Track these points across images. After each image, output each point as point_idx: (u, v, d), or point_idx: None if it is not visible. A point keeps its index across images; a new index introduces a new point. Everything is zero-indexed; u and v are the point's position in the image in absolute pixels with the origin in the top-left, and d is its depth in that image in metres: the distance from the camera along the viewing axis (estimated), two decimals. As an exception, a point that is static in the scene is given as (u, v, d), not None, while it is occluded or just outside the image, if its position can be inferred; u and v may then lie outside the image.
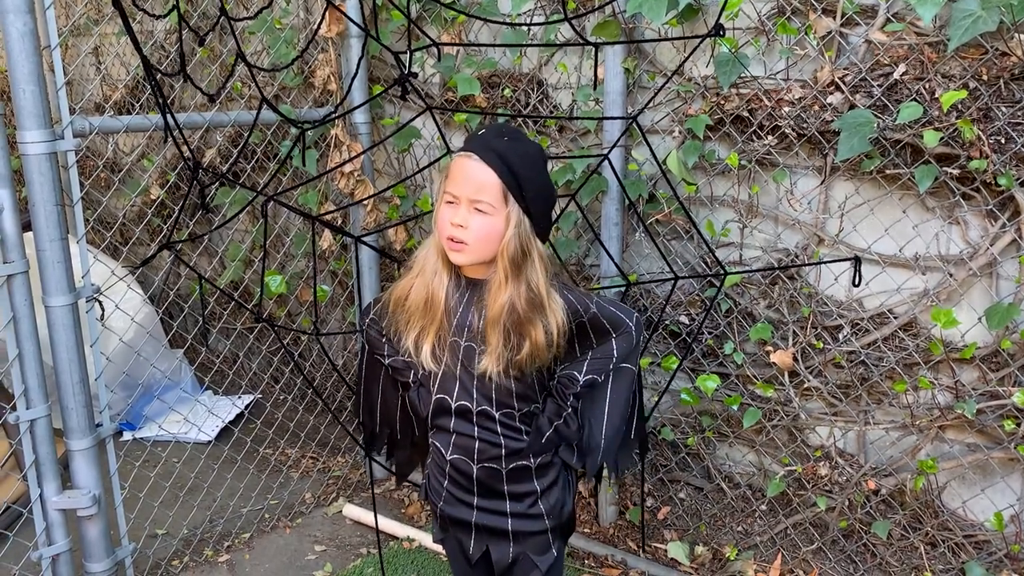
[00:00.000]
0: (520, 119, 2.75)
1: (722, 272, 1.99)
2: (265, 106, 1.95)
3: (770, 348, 2.44)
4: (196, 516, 2.79)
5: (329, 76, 2.95)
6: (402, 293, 1.58)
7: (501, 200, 1.45)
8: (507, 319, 1.47)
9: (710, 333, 2.56)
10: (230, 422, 3.40)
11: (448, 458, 1.59)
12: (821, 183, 2.32)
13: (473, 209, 1.45)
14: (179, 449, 3.09)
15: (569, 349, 1.58)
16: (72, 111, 2.13)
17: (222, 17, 1.50)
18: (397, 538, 2.73)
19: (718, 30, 1.59)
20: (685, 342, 2.60)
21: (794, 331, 2.41)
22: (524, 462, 1.57)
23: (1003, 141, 2.00)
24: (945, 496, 2.31)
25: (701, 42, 1.85)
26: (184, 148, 1.66)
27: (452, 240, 1.48)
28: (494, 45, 2.51)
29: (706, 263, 2.55)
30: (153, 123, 2.36)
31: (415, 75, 1.71)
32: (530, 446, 1.56)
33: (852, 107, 2.17)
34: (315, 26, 3.14)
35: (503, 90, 2.76)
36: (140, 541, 2.54)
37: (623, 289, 2.52)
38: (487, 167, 1.45)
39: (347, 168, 2.88)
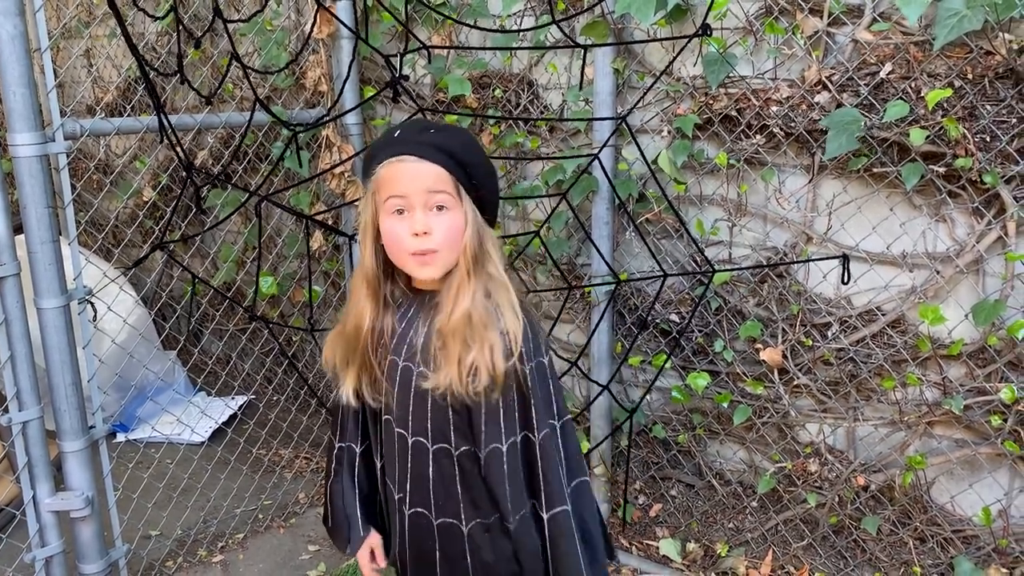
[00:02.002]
0: (511, 120, 2.76)
1: (711, 270, 2.01)
2: (258, 107, 1.96)
3: (760, 346, 2.46)
4: (190, 517, 2.79)
5: (320, 77, 2.96)
6: (339, 328, 1.46)
7: (456, 192, 1.31)
8: (466, 326, 1.30)
9: (700, 331, 2.58)
10: (223, 423, 3.41)
11: (396, 496, 1.44)
12: (809, 182, 2.34)
13: (432, 208, 1.30)
14: (172, 450, 3.09)
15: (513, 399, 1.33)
16: (63, 113, 2.14)
17: (216, 18, 1.50)
18: (390, 537, 2.74)
19: (706, 30, 1.61)
20: (675, 340, 2.62)
21: (783, 329, 2.43)
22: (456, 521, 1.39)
23: (988, 139, 2.02)
24: (933, 491, 2.32)
25: (689, 42, 1.87)
26: (177, 149, 1.67)
27: (418, 254, 1.31)
28: (484, 48, 2.52)
29: (696, 261, 2.57)
30: (145, 125, 2.37)
31: (406, 78, 1.72)
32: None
33: (839, 106, 2.18)
34: (306, 27, 3.15)
35: (494, 91, 2.77)
36: (134, 542, 2.54)
37: (613, 287, 2.54)
38: (430, 163, 1.29)
39: (338, 169, 2.89)
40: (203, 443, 3.15)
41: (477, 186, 1.34)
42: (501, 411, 1.32)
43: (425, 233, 1.29)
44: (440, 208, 1.30)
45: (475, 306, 1.30)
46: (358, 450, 1.54)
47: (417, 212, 1.30)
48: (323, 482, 1.60)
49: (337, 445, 1.56)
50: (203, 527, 2.78)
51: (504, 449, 1.32)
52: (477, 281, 1.32)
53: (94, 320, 2.24)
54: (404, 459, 1.40)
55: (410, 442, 1.38)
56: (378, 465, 1.52)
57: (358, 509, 1.54)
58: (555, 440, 1.35)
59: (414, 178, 1.29)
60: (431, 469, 1.38)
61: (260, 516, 2.87)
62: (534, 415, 1.33)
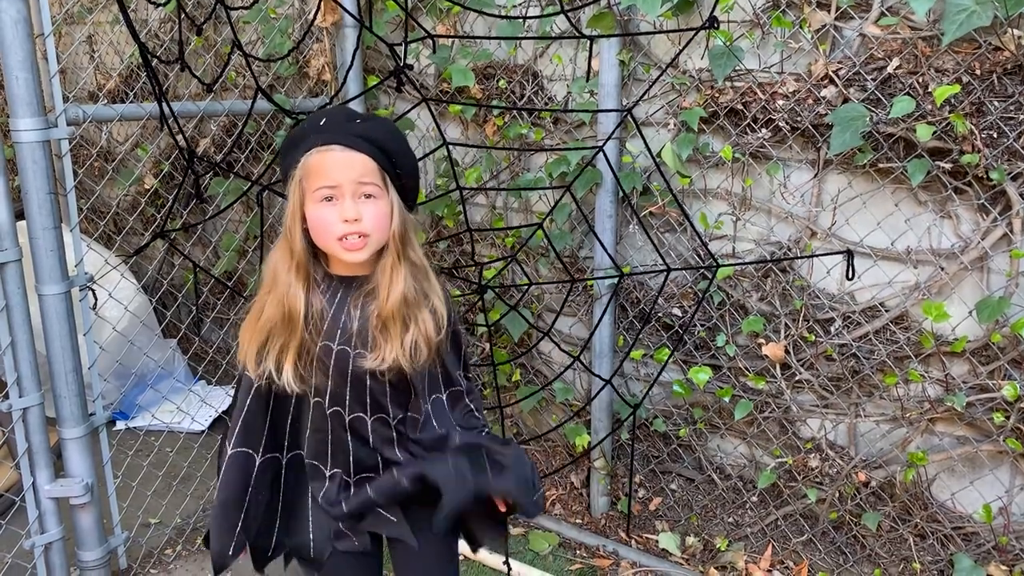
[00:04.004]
0: (515, 111, 2.75)
1: (715, 265, 2.00)
2: (260, 96, 1.95)
3: (762, 340, 2.45)
4: (189, 505, 2.79)
5: (324, 66, 2.94)
6: (255, 315, 1.44)
7: (383, 182, 1.38)
8: (403, 307, 1.40)
9: (702, 325, 2.57)
10: (223, 412, 3.40)
11: (328, 473, 1.49)
12: (814, 176, 2.33)
13: (360, 196, 1.36)
14: (172, 438, 3.08)
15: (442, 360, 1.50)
16: (65, 99, 2.13)
17: (218, 5, 1.50)
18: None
19: (713, 23, 1.60)
20: (677, 334, 2.61)
21: (786, 324, 2.42)
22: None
23: (995, 135, 2.01)
24: (934, 488, 2.32)
25: (695, 34, 1.86)
26: (179, 137, 1.66)
27: (347, 238, 1.36)
28: (489, 37, 2.51)
29: (699, 256, 2.56)
30: (147, 112, 2.36)
31: (410, 67, 1.71)
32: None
33: (846, 100, 2.17)
34: (310, 16, 3.13)
35: (498, 81, 2.76)
36: (133, 530, 2.54)
37: (616, 280, 2.53)
38: (358, 153, 1.35)
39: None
40: (203, 432, 3.15)
41: (401, 175, 1.41)
42: (432, 374, 1.50)
43: (356, 220, 1.35)
44: (368, 196, 1.37)
45: (408, 288, 1.41)
46: (259, 459, 1.48)
47: (347, 200, 1.35)
48: (215, 491, 1.53)
49: (232, 450, 1.48)
50: (202, 515, 2.77)
51: (444, 397, 1.52)
52: (406, 265, 1.42)
53: (95, 307, 2.24)
54: (341, 434, 1.47)
55: (348, 419, 1.45)
56: (285, 456, 1.52)
57: (237, 529, 1.48)
58: (471, 387, 1.57)
59: (344, 168, 1.35)
60: (371, 438, 1.47)
61: (259, 505, 2.87)
62: (455, 371, 1.54)
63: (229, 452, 1.48)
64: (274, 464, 1.52)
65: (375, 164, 1.36)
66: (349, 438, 1.47)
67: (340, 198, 1.35)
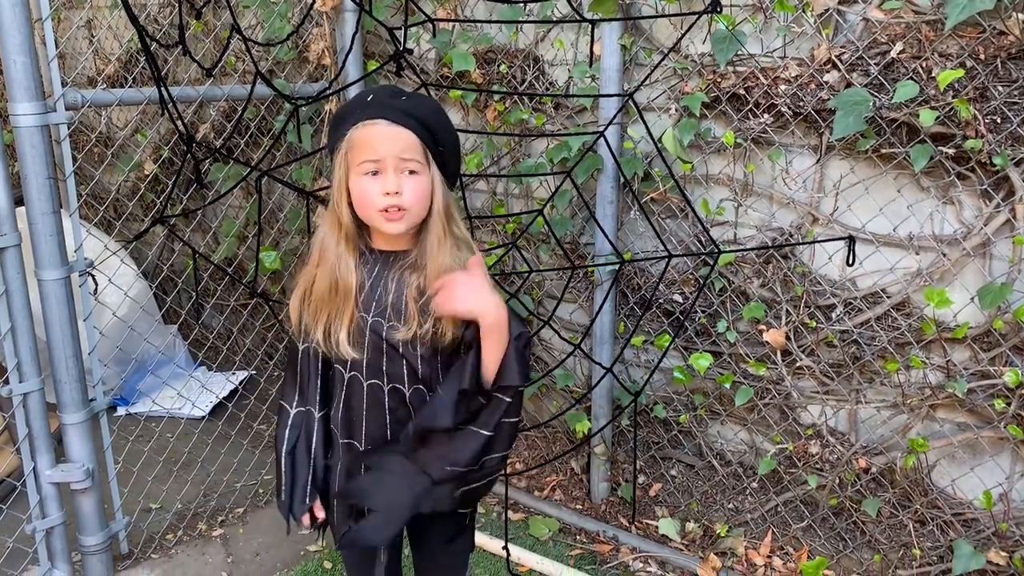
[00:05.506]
0: (516, 96, 2.74)
1: (716, 251, 1.99)
2: (260, 81, 1.94)
3: (763, 327, 2.45)
4: (190, 491, 2.79)
5: (323, 51, 2.93)
6: (305, 286, 1.49)
7: (425, 158, 1.41)
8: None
9: (703, 312, 2.57)
10: (224, 398, 3.41)
11: (363, 448, 1.52)
12: (816, 162, 2.32)
13: (403, 172, 1.39)
14: (173, 424, 3.09)
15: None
16: (64, 84, 2.11)
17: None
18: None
19: (715, 7, 1.58)
20: (678, 320, 2.61)
21: (787, 310, 2.42)
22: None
23: (999, 121, 2.00)
24: (935, 475, 2.32)
25: (698, 19, 1.84)
26: (179, 122, 1.65)
27: (387, 211, 1.40)
28: (489, 21, 2.49)
29: (700, 242, 2.55)
30: (146, 97, 2.34)
31: (410, 51, 1.70)
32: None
33: (848, 85, 2.16)
34: (309, 0, 3.11)
35: (499, 66, 2.74)
36: (134, 515, 2.54)
37: (617, 267, 2.52)
38: (402, 128, 1.38)
39: (341, 144, 2.86)
40: (204, 417, 3.15)
41: (443, 151, 1.45)
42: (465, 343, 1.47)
43: (396, 193, 1.38)
44: (411, 172, 1.40)
45: (454, 261, 1.43)
46: (317, 414, 1.57)
47: (389, 173, 1.38)
48: (275, 446, 1.62)
49: (295, 409, 1.59)
50: (203, 501, 2.78)
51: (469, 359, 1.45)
52: (451, 239, 1.45)
53: (95, 292, 2.23)
54: (377, 408, 1.49)
55: (385, 390, 1.48)
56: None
57: (308, 480, 1.59)
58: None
59: (387, 142, 1.38)
60: (407, 410, 1.48)
61: (260, 491, 2.88)
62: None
63: (292, 411, 1.57)
64: (325, 423, 1.58)
65: (417, 140, 1.39)
66: (387, 412, 1.49)
67: (383, 172, 1.39)
